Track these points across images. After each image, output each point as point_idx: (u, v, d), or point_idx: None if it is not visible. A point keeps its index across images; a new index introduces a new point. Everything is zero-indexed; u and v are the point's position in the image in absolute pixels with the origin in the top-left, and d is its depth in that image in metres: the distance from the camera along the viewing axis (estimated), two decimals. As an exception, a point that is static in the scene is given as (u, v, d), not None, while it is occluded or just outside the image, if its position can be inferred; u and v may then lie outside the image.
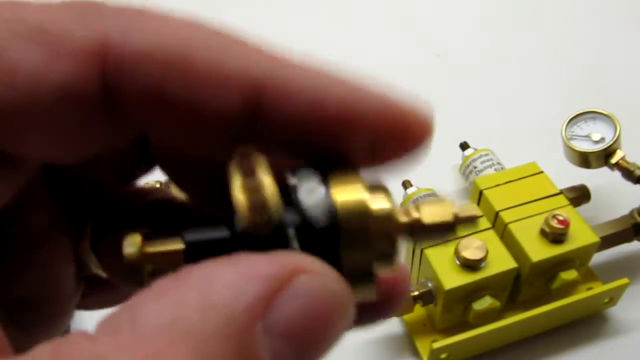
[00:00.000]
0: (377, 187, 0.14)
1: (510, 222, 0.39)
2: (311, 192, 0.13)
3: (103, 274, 0.17)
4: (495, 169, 0.46)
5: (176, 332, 0.10)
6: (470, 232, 0.39)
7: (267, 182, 0.13)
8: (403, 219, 0.14)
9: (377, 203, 0.14)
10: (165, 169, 0.16)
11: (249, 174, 0.13)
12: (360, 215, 0.13)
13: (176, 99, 0.13)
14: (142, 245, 0.13)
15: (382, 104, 0.14)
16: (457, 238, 0.38)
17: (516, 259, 0.38)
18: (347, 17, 0.71)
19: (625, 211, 0.43)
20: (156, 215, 0.17)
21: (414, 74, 0.63)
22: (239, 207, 0.12)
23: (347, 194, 0.13)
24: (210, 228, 0.13)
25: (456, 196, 0.50)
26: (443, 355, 0.38)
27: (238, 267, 0.11)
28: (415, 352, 0.40)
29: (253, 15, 0.70)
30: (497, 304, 0.38)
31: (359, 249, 0.13)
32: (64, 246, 0.17)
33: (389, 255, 0.14)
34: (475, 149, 0.48)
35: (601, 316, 0.42)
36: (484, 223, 0.40)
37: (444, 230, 0.14)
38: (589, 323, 0.42)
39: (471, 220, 0.14)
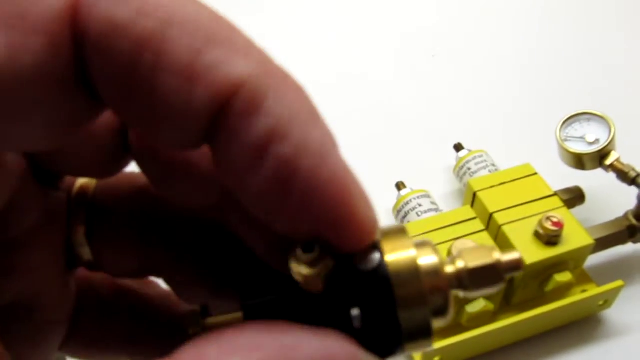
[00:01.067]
0: (423, 244, 0.14)
1: (504, 224, 0.39)
2: (366, 256, 0.14)
3: (94, 265, 0.17)
4: (490, 171, 0.45)
5: None
6: (465, 234, 0.39)
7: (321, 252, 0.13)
8: (449, 269, 0.14)
9: (425, 258, 0.14)
10: (141, 165, 0.16)
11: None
12: (412, 274, 0.13)
13: (143, 85, 0.12)
14: (204, 320, 0.15)
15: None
16: (452, 239, 0.38)
17: (510, 261, 0.37)
18: (342, 17, 0.70)
19: (619, 213, 0.42)
20: (149, 201, 0.17)
21: (409, 75, 0.62)
22: (291, 263, 0.13)
23: (397, 254, 0.14)
24: (265, 291, 0.14)
25: (450, 198, 0.50)
26: (435, 358, 0.37)
27: (320, 345, 0.12)
28: (408, 355, 0.40)
29: (249, 16, 0.70)
30: (490, 306, 0.37)
31: (415, 307, 0.13)
32: (54, 244, 0.16)
33: (443, 309, 0.14)
34: (470, 151, 0.48)
35: (595, 319, 0.42)
36: (478, 225, 0.40)
37: (490, 277, 0.14)
38: (583, 326, 0.41)
39: (515, 264, 0.14)
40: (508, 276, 0.14)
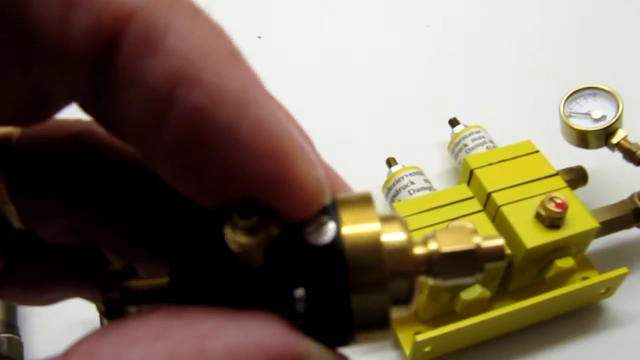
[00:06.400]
0: (390, 218, 0.12)
1: (503, 205, 0.36)
2: (318, 227, 0.11)
3: (22, 227, 0.15)
4: (487, 147, 0.43)
5: None
6: (460, 215, 0.36)
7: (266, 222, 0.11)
8: (419, 251, 0.12)
9: (391, 235, 0.12)
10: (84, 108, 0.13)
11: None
12: (373, 251, 0.11)
13: (12, 9, 0.10)
14: (124, 283, 0.12)
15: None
16: (447, 220, 0.35)
17: (509, 244, 0.35)
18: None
19: (624, 195, 0.40)
20: (80, 153, 0.15)
21: (402, 45, 0.59)
22: (226, 230, 0.11)
23: (358, 226, 0.11)
24: (196, 260, 0.12)
25: (444, 176, 0.47)
26: (427, 349, 0.35)
27: (241, 332, 0.10)
28: (397, 344, 0.37)
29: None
30: (486, 293, 0.35)
31: (373, 292, 0.11)
32: None
33: (405, 297, 0.12)
34: (466, 126, 0.45)
35: (596, 308, 0.39)
36: (475, 205, 0.37)
37: (466, 265, 0.12)
38: (583, 315, 0.39)
39: (497, 253, 0.12)
40: (487, 266, 0.12)
